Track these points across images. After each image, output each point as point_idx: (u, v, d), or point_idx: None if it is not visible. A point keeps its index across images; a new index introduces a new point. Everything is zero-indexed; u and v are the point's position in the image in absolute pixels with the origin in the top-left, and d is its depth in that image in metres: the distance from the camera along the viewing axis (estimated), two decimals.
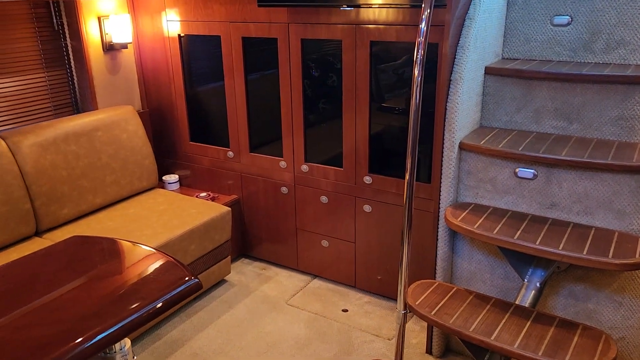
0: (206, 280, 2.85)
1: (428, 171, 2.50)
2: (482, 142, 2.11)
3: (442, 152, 2.14)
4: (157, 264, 1.70)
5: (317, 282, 3.03)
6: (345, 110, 2.64)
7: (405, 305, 1.93)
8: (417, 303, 1.98)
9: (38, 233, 2.60)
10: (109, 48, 3.06)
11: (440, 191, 2.19)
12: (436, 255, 2.26)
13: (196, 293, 1.67)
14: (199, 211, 2.82)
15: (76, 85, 3.06)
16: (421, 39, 1.66)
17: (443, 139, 2.13)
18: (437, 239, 2.25)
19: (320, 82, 2.73)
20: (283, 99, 2.82)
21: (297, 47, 2.68)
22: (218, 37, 2.94)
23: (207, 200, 3.09)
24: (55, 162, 2.62)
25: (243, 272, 3.17)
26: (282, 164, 2.95)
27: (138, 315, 1.46)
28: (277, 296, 2.90)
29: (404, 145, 2.53)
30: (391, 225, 2.67)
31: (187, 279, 1.61)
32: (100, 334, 1.37)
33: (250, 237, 3.25)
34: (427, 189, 2.49)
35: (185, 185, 3.40)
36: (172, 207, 2.87)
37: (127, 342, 1.82)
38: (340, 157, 2.75)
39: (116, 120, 2.95)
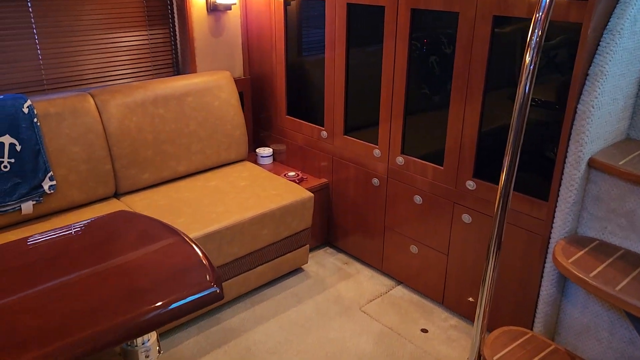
0: (277, 269, 2.63)
1: (548, 185, 1.99)
2: (622, 162, 1.56)
3: (563, 168, 1.64)
4: (186, 260, 1.49)
5: (400, 290, 2.67)
6: (454, 99, 2.19)
7: (480, 357, 1.52)
8: (495, 359, 1.55)
9: (117, 195, 2.57)
10: (213, 9, 2.90)
11: (554, 216, 1.69)
12: (538, 296, 1.78)
13: (216, 303, 1.44)
14: (279, 193, 2.59)
15: (178, 46, 2.96)
16: (540, 15, 1.20)
17: (566, 151, 1.62)
18: (543, 276, 1.76)
19: (427, 63, 2.30)
20: (384, 79, 2.45)
21: (406, 19, 2.27)
22: (323, 3, 2.62)
23: (294, 180, 2.86)
24: (141, 124, 2.54)
25: (323, 263, 2.91)
26: (377, 152, 2.59)
27: (135, 323, 1.25)
28: (352, 298, 2.60)
29: (529, 147, 2.03)
30: None
31: (206, 285, 1.38)
32: (85, 340, 1.19)
33: (336, 225, 2.97)
34: (542, 208, 1.98)
35: (279, 161, 3.19)
36: (253, 185, 2.67)
37: (152, 335, 1.66)
38: (441, 153, 2.32)
39: (210, 86, 2.80)
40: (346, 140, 2.73)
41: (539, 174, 1.99)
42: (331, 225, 3.00)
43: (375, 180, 2.64)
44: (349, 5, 2.50)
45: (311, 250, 3.02)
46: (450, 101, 2.21)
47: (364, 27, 2.51)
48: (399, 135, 2.46)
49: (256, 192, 2.59)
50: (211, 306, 2.44)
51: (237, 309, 2.52)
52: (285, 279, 2.76)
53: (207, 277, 1.41)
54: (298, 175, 2.94)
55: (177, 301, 1.32)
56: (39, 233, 1.63)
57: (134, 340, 1.60)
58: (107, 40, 2.69)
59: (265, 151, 3.15)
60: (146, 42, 2.84)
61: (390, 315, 2.48)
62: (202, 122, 2.76)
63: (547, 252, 1.74)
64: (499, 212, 1.42)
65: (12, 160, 2.19)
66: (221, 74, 2.87)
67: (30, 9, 2.41)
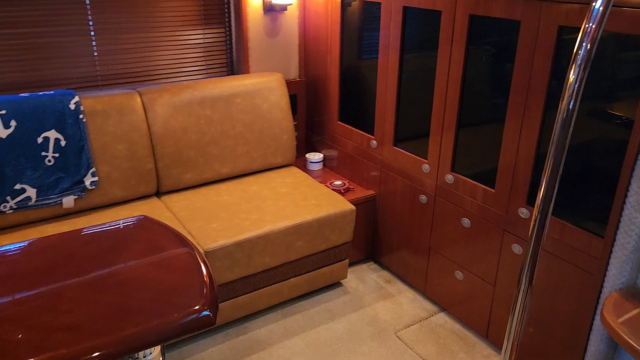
0: (313, 282, 2.53)
1: (606, 219, 1.72)
2: None
3: (623, 208, 1.39)
4: (185, 278, 1.42)
5: (441, 317, 2.47)
6: (511, 115, 1.97)
7: None
8: None
9: (158, 194, 2.57)
10: (269, 9, 2.83)
11: (608, 262, 1.45)
12: (585, 351, 1.54)
13: (207, 328, 1.36)
14: (319, 203, 2.47)
15: (233, 46, 2.92)
16: (590, 25, 0.99)
17: (627, 189, 1.38)
18: (592, 328, 1.52)
19: (484, 74, 2.08)
20: (437, 88, 2.25)
21: (463, 25, 2.07)
22: (379, 5, 2.46)
23: (339, 190, 2.73)
24: (186, 124, 2.53)
25: (364, 279, 2.76)
26: (425, 167, 2.40)
27: (115, 346, 1.19)
28: (388, 321, 2.44)
29: (598, 171, 1.77)
30: (545, 281, 1.96)
31: (198, 310, 1.30)
32: (59, 358, 1.14)
33: (382, 240, 2.81)
34: (598, 245, 1.72)
35: (328, 167, 3.08)
36: (294, 193, 2.58)
37: (155, 349, 1.61)
38: (493, 174, 2.10)
39: (260, 87, 2.73)
40: (395, 152, 2.57)
41: (605, 206, 1.73)
42: (376, 240, 2.85)
43: (423, 197, 2.46)
44: (404, 8, 2.33)
45: (353, 264, 2.89)
46: (507, 117, 1.98)
47: (420, 32, 2.33)
48: (449, 151, 2.27)
49: (295, 201, 2.49)
50: (241, 314, 2.38)
51: (268, 319, 2.44)
52: (321, 292, 2.64)
53: (202, 299, 1.33)
54: (345, 184, 2.81)
55: (163, 326, 1.25)
56: (55, 234, 1.63)
57: (136, 354, 1.56)
58: (162, 38, 2.70)
59: (315, 157, 3.05)
60: (201, 41, 2.82)
61: (427, 345, 2.30)
62: (249, 124, 2.70)
63: (597, 303, 1.50)
64: (532, 245, 1.22)
65: (57, 155, 2.24)
66: (272, 75, 2.80)
67: (87, 6, 2.46)
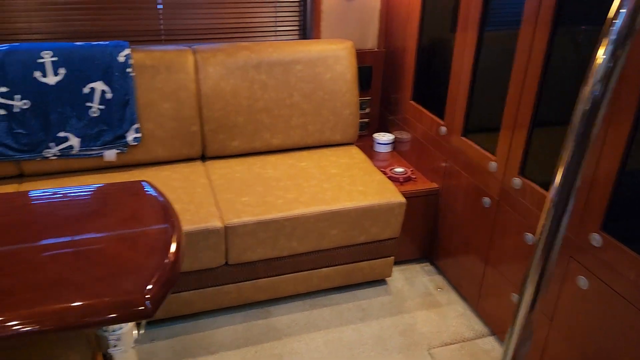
0: (348, 276, 2.29)
1: None
2: None
3: None
4: (145, 259, 1.28)
5: (489, 342, 2.12)
6: None
7: None
8: None
9: (204, 158, 2.47)
10: None
11: None
12: None
13: (142, 320, 1.20)
14: (365, 191, 2.21)
15: (307, 8, 2.69)
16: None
17: None
18: None
19: (570, 64, 1.65)
20: (514, 75, 1.85)
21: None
22: None
23: (398, 178, 2.43)
24: (238, 89, 2.38)
25: (413, 281, 2.46)
26: (492, 165, 2.02)
27: (37, 320, 1.08)
28: (425, 334, 2.14)
29: None
30: (614, 326, 1.54)
31: (135, 297, 1.14)
32: None
33: (440, 241, 2.48)
34: None
35: (398, 151, 2.77)
36: (343, 175, 2.33)
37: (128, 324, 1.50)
38: None
39: (324, 55, 2.49)
40: (463, 143, 2.20)
41: None
42: (435, 239, 2.52)
43: (486, 200, 2.09)
44: None
45: (404, 262, 2.59)
46: None
47: (504, 6, 1.92)
48: (520, 150, 1.87)
49: (341, 184, 2.25)
50: (263, 297, 2.23)
51: (293, 307, 2.27)
52: (359, 288, 2.40)
53: (147, 287, 1.17)
54: (407, 173, 2.50)
55: (90, 309, 1.12)
56: (48, 189, 1.57)
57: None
58: None
59: (383, 137, 2.76)
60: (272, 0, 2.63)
61: None
62: (307, 94, 2.48)
63: None
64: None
65: (102, 107, 2.21)
66: (341, 43, 2.53)
67: None
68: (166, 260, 1.28)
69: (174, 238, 1.37)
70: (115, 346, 1.47)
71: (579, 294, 1.66)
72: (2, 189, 2.11)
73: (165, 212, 1.48)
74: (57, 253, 1.28)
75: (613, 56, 0.70)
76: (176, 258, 1.30)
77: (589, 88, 0.74)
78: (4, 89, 2.07)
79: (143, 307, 1.13)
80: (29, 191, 1.56)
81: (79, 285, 1.17)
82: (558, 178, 0.88)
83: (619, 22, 0.68)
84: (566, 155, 0.85)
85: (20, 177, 2.23)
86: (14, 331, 1.07)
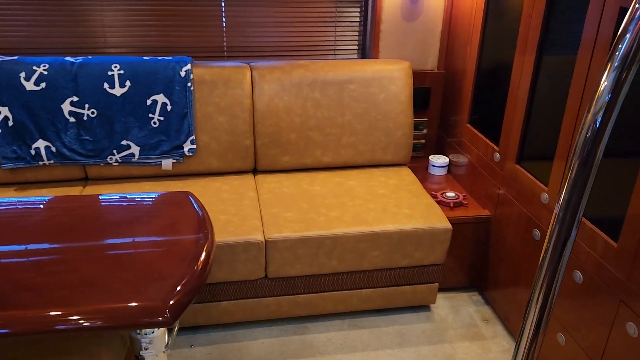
0: (389, 299, 2.25)
1: None
2: None
3: None
4: (172, 269, 1.33)
5: None
6: None
7: None
8: None
9: (255, 171, 2.54)
10: None
11: None
12: None
13: (161, 327, 1.25)
14: (411, 214, 2.17)
15: (367, 27, 2.70)
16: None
17: None
18: None
19: (632, 91, 1.54)
20: (571, 101, 1.76)
21: (611, 21, 1.55)
22: None
23: (448, 203, 2.37)
24: (291, 106, 2.43)
25: (459, 310, 2.38)
26: (544, 196, 1.92)
27: (54, 322, 1.16)
28: None
29: None
30: None
31: (157, 310, 1.19)
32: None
33: (489, 271, 2.38)
34: None
35: (453, 175, 2.70)
36: (391, 196, 2.31)
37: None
38: (619, 222, 1.57)
39: (379, 76, 2.48)
40: (516, 171, 2.11)
41: None
42: (485, 268, 2.42)
43: (537, 233, 1.98)
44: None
45: (451, 289, 2.51)
46: None
47: (565, 29, 1.83)
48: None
49: (386, 206, 2.23)
50: (301, 313, 2.24)
51: (331, 325, 2.26)
52: (401, 312, 2.35)
53: (170, 295, 1.22)
54: (458, 197, 2.43)
55: (113, 312, 1.18)
56: (89, 195, 1.68)
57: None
58: (291, 13, 2.62)
59: (438, 160, 2.70)
60: (333, 19, 2.67)
61: None
62: (360, 114, 2.49)
63: None
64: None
65: (162, 118, 2.34)
66: (397, 64, 2.52)
67: None
68: (193, 269, 1.32)
69: (205, 249, 1.42)
70: (146, 349, 1.53)
71: (628, 340, 1.54)
72: (69, 191, 2.28)
73: (201, 224, 1.54)
74: (94, 255, 1.36)
75: (600, 119, 0.66)
76: (204, 268, 1.35)
77: (578, 147, 0.70)
78: (75, 99, 2.25)
79: (162, 317, 1.18)
80: (83, 195, 1.67)
81: (107, 288, 1.24)
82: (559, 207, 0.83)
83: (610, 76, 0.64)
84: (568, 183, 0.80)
85: (86, 180, 2.39)
86: (47, 327, 1.15)
